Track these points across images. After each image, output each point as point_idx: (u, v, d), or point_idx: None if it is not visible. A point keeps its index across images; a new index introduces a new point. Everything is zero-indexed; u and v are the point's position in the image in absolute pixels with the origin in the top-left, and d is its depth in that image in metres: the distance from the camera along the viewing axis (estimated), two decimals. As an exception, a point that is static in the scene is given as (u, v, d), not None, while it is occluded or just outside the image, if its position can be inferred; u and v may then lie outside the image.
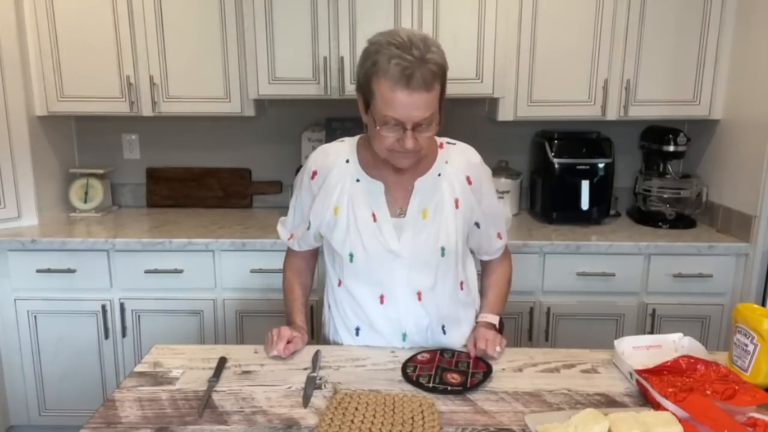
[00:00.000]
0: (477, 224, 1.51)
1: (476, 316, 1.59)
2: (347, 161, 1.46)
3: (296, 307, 1.59)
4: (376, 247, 1.43)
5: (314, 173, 1.47)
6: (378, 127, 1.29)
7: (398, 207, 1.44)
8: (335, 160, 1.46)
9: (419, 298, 1.46)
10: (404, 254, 1.43)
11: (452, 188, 1.45)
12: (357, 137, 1.50)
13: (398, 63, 1.22)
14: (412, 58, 1.22)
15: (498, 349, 1.41)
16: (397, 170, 1.42)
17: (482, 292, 1.62)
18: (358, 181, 1.44)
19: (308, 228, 1.50)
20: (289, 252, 1.65)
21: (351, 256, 1.44)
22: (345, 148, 1.48)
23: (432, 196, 1.44)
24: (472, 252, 1.61)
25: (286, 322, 1.57)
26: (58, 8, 2.55)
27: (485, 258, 1.62)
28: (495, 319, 1.54)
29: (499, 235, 1.58)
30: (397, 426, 1.14)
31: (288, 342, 1.43)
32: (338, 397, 1.23)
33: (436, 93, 1.27)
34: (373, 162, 1.44)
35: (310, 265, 1.67)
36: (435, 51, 1.26)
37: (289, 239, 1.60)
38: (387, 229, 1.43)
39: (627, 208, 2.88)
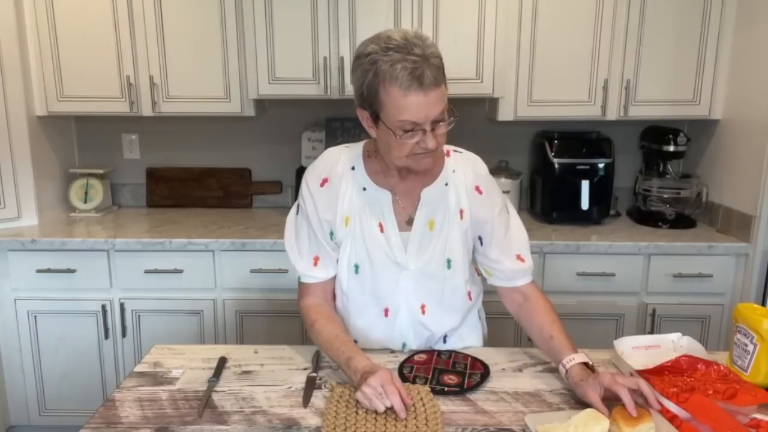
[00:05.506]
0: (482, 240, 1.43)
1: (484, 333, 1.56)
2: (353, 168, 1.38)
3: (356, 350, 1.30)
4: (382, 258, 1.38)
5: (324, 180, 1.38)
6: (397, 136, 1.21)
7: (406, 217, 1.38)
8: (343, 167, 1.38)
9: (423, 312, 1.43)
10: (411, 266, 1.39)
11: (458, 198, 1.39)
12: (362, 143, 1.42)
13: (404, 66, 1.16)
14: (417, 58, 1.16)
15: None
16: (404, 178, 1.36)
17: (540, 332, 1.37)
18: (364, 189, 1.37)
19: (332, 237, 1.39)
20: (307, 291, 1.44)
21: (356, 267, 1.40)
22: (350, 154, 1.40)
23: (438, 207, 1.38)
24: (479, 274, 1.52)
25: (349, 370, 1.26)
26: (58, 8, 2.54)
27: (510, 284, 1.45)
28: (584, 357, 1.28)
29: (519, 257, 1.44)
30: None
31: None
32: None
33: (445, 85, 1.22)
34: (379, 170, 1.37)
35: (330, 297, 1.47)
36: (431, 44, 1.21)
37: (315, 266, 1.41)
38: (394, 240, 1.37)
39: (627, 208, 2.88)
